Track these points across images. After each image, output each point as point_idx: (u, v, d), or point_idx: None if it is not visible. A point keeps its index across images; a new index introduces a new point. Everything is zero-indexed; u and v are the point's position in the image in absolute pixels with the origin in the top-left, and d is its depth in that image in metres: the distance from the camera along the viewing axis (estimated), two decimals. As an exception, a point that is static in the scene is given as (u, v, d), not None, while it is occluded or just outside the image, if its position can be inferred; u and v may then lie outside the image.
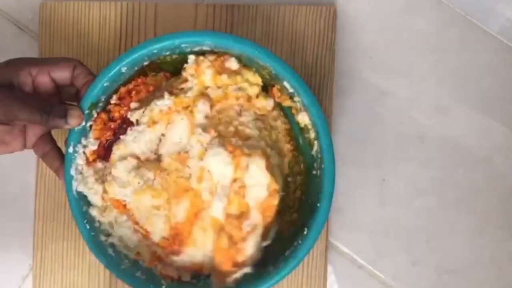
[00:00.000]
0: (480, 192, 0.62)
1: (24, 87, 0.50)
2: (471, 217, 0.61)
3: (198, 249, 0.55)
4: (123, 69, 0.52)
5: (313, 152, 0.55)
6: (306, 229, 0.53)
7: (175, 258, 0.56)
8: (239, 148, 0.53)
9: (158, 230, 0.55)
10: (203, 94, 0.55)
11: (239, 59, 0.54)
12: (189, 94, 0.54)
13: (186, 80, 0.55)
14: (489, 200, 0.61)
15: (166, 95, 0.54)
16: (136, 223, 0.56)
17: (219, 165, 0.53)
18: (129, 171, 0.54)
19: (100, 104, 0.54)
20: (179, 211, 0.55)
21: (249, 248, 0.54)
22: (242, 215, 0.54)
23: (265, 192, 0.53)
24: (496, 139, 0.62)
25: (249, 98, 0.56)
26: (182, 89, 0.55)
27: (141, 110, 0.54)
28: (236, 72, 0.55)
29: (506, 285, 0.61)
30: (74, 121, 0.50)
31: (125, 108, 0.55)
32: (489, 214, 0.61)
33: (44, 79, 0.51)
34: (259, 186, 0.53)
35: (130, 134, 0.55)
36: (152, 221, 0.55)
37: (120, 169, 0.54)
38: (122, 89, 0.54)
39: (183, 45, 0.53)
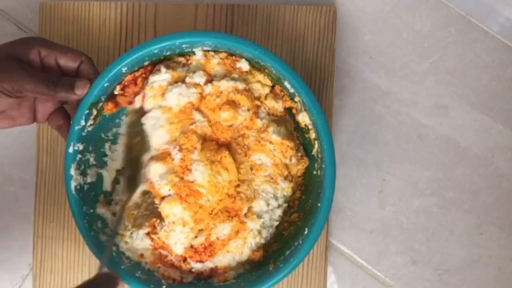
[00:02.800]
0: (480, 192, 0.62)
1: (32, 65, 0.51)
2: (471, 217, 0.61)
3: (231, 255, 0.56)
4: (123, 69, 0.52)
5: (314, 152, 0.55)
6: (306, 229, 0.53)
7: (195, 264, 0.56)
8: None
9: (181, 243, 0.55)
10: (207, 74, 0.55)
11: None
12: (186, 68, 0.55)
13: (187, 60, 0.55)
14: (489, 200, 0.61)
15: (163, 68, 0.54)
16: (155, 233, 0.56)
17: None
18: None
19: (100, 104, 0.54)
20: (224, 229, 0.55)
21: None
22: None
23: None
24: (496, 139, 0.62)
25: (257, 98, 0.56)
26: (179, 62, 0.55)
27: (141, 95, 0.55)
28: (246, 73, 0.55)
29: (506, 285, 0.61)
30: (81, 91, 0.51)
31: (131, 97, 0.55)
32: (489, 214, 0.61)
33: (51, 61, 0.52)
34: None
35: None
36: (171, 235, 0.55)
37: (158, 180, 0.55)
38: (128, 77, 0.54)
39: (183, 45, 0.53)
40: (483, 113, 0.62)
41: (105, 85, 0.52)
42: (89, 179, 0.55)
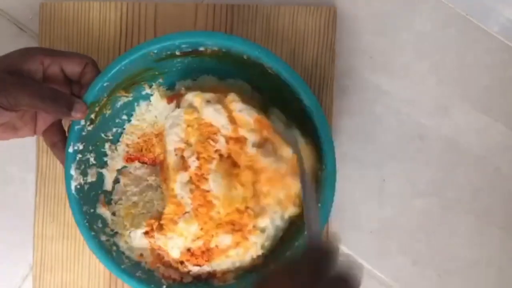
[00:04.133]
0: (480, 192, 0.62)
1: (34, 75, 0.50)
2: (471, 217, 0.61)
3: (231, 261, 0.55)
4: (123, 69, 0.52)
5: (313, 152, 0.55)
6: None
7: (192, 267, 0.55)
8: None
9: (178, 247, 0.54)
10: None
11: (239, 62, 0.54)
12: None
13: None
14: (489, 200, 0.61)
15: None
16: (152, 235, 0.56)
17: None
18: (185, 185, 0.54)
19: (101, 103, 0.54)
20: (225, 239, 0.54)
21: None
22: None
23: None
24: (496, 139, 0.62)
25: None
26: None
27: None
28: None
29: (506, 285, 0.61)
30: (78, 114, 0.50)
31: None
32: (489, 214, 0.61)
33: (55, 70, 0.51)
34: None
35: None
36: (169, 242, 0.54)
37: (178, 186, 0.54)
38: None
39: (183, 45, 0.53)
40: (483, 113, 0.62)
41: (105, 84, 0.52)
42: (89, 179, 0.56)
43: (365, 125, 0.62)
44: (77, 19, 0.61)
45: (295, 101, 0.53)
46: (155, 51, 0.52)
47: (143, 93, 0.58)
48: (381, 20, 0.62)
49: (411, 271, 0.61)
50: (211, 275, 0.56)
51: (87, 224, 0.53)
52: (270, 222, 0.54)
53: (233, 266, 0.55)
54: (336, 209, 0.61)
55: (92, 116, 0.54)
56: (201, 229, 0.53)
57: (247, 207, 0.53)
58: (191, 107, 0.54)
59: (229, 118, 0.53)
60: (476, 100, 0.62)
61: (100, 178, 0.57)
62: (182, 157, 0.54)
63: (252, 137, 0.53)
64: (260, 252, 0.54)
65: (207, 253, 0.54)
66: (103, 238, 0.54)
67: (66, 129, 0.54)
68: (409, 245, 0.61)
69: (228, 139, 0.53)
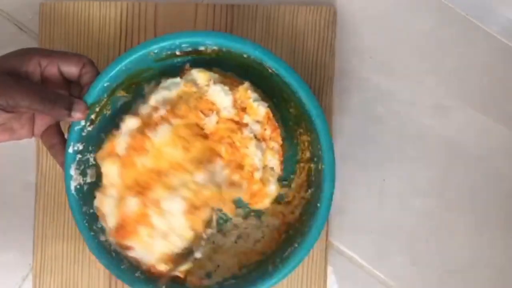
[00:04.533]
0: (480, 192, 0.62)
1: (32, 77, 0.50)
2: (471, 217, 0.61)
3: (145, 250, 0.52)
4: (123, 69, 0.52)
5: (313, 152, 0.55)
6: (306, 229, 0.53)
7: (128, 252, 0.53)
8: None
9: (109, 213, 0.52)
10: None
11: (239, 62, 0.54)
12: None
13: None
14: (489, 200, 0.61)
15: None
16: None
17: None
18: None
19: (102, 103, 0.54)
20: (131, 202, 0.51)
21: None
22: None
23: None
24: (496, 139, 0.62)
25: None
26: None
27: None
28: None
29: (506, 285, 0.61)
30: (78, 115, 0.50)
31: None
32: (489, 214, 0.61)
33: (53, 70, 0.51)
34: None
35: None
36: (105, 202, 0.52)
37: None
38: None
39: (183, 45, 0.53)
40: (483, 113, 0.62)
41: (105, 85, 0.52)
42: (89, 179, 0.56)
43: (365, 125, 0.62)
44: (77, 19, 0.61)
45: (295, 101, 0.53)
46: (155, 51, 0.52)
47: (143, 93, 0.58)
48: (381, 20, 0.62)
49: (411, 271, 0.61)
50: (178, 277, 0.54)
51: (86, 224, 0.53)
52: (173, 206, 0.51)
53: (149, 256, 0.52)
54: (336, 209, 0.61)
55: (93, 116, 0.54)
56: (123, 175, 0.51)
57: (166, 174, 0.51)
58: (193, 83, 0.53)
59: (234, 102, 0.53)
60: (476, 100, 0.62)
61: (100, 178, 0.57)
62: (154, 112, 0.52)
63: (254, 126, 0.53)
64: (166, 245, 0.51)
65: (122, 226, 0.52)
66: (103, 238, 0.54)
67: (65, 130, 0.54)
68: (409, 245, 0.61)
69: (222, 121, 0.53)
